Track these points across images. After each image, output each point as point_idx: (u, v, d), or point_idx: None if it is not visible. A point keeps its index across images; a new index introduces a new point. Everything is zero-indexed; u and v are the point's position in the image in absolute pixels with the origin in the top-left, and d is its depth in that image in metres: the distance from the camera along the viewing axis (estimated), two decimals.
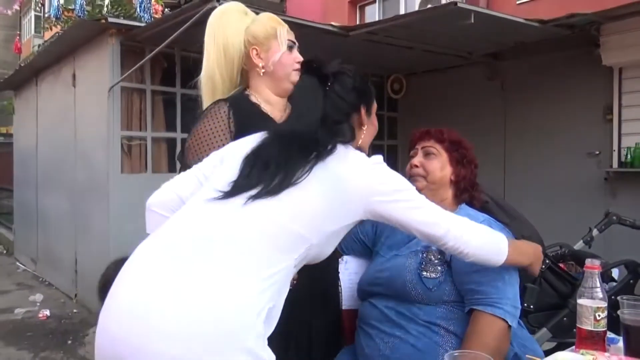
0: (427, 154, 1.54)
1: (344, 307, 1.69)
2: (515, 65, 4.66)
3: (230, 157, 1.16)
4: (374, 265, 1.57)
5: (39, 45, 7.65)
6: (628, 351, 1.09)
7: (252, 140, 1.17)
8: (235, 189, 1.04)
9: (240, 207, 1.01)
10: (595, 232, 2.33)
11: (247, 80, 1.56)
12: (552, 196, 4.39)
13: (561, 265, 2.06)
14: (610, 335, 1.15)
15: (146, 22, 6.68)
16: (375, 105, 1.35)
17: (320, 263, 1.19)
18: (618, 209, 4.04)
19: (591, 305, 1.09)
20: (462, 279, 1.35)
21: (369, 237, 1.68)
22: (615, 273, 2.01)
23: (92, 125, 4.30)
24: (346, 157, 1.13)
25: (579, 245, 2.33)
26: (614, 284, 1.97)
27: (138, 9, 6.61)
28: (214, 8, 3.04)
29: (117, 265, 1.43)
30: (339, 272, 1.65)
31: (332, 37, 3.94)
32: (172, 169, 4.13)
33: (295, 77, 1.61)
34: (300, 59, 1.62)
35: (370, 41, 4.01)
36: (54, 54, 4.92)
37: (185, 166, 1.42)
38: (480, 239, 1.18)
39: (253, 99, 1.53)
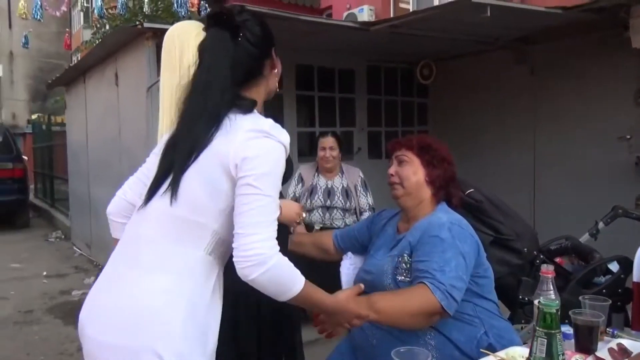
0: (400, 162, 1.66)
1: None
2: (545, 49, 4.61)
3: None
4: (363, 265, 1.73)
5: (86, 42, 8.10)
6: (577, 347, 1.22)
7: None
8: (150, 191, 1.15)
9: (151, 209, 1.13)
10: (601, 225, 2.39)
11: None
12: (582, 180, 4.38)
13: (559, 259, 2.16)
14: (568, 331, 1.28)
15: (182, 16, 6.96)
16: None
17: None
18: None
19: None
20: (415, 266, 1.48)
21: (365, 237, 1.84)
22: (614, 266, 2.09)
23: (133, 123, 4.61)
24: (229, 129, 1.11)
25: (584, 238, 2.40)
26: (610, 276, 2.06)
27: (175, 4, 6.90)
28: None
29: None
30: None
31: (356, 32, 4.05)
32: None
33: None
34: None
35: (394, 33, 4.09)
36: (98, 56, 5.26)
37: None
38: (282, 267, 1.07)
39: None
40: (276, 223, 1.09)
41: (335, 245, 1.89)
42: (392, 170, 1.66)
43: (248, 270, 1.04)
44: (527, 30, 4.32)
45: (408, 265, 1.52)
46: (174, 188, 1.09)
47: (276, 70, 1.30)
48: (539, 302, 0.95)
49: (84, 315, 1.15)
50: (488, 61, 5.09)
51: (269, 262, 1.03)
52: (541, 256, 2.01)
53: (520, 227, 1.97)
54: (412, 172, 1.63)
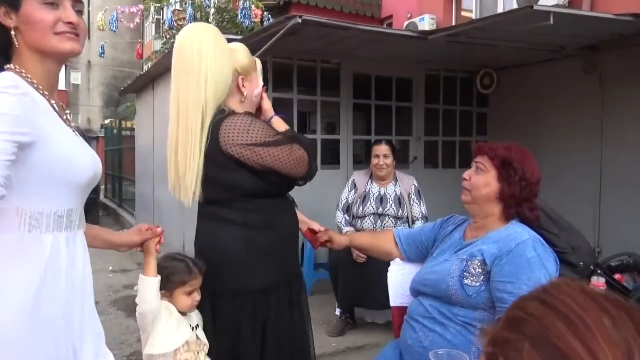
0: (477, 169, 1.62)
1: (393, 305, 1.88)
2: (615, 57, 4.40)
3: None
4: (426, 267, 1.73)
5: (156, 52, 8.57)
6: None
7: None
8: None
9: None
10: None
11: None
12: None
13: (619, 275, 2.06)
14: None
15: (246, 27, 7.19)
16: None
17: None
18: None
19: None
20: (497, 286, 1.46)
21: (430, 241, 1.84)
22: None
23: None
24: None
25: None
26: None
27: (239, 16, 7.16)
28: (297, 23, 3.35)
29: (165, 259, 1.67)
30: None
31: (414, 40, 4.05)
32: None
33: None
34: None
35: (452, 42, 4.05)
36: (165, 65, 5.55)
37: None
38: None
39: None
40: None
41: (400, 249, 1.91)
42: (466, 174, 1.64)
43: None
44: (596, 39, 4.15)
45: (479, 271, 1.51)
46: None
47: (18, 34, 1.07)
48: None
49: None
50: (553, 70, 4.92)
51: None
52: (598, 270, 1.93)
53: (576, 241, 1.90)
54: (484, 183, 1.58)
